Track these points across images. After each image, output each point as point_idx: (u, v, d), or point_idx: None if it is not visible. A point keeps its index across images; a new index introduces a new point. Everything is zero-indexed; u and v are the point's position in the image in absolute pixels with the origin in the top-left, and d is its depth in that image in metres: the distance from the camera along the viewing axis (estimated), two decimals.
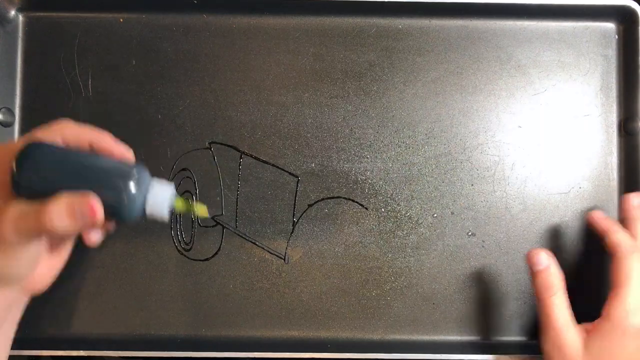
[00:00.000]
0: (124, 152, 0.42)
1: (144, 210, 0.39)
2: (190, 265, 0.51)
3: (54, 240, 0.43)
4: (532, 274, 0.47)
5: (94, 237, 0.41)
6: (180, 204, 0.41)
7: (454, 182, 0.52)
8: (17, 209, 0.37)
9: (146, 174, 0.40)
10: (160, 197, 0.40)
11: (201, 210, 0.43)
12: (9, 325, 0.44)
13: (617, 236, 0.46)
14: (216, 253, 0.51)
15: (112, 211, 0.38)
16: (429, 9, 0.52)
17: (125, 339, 0.51)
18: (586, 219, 0.51)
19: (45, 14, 0.52)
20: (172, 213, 0.44)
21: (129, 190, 0.38)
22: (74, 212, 0.37)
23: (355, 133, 0.52)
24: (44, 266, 0.42)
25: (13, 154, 0.38)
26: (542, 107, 0.52)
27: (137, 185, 0.39)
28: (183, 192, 0.52)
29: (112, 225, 0.44)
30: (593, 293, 0.51)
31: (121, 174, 0.39)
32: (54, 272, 0.44)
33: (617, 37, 0.53)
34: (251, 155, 0.52)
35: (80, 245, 0.51)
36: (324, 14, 0.52)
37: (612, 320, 0.44)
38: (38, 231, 0.37)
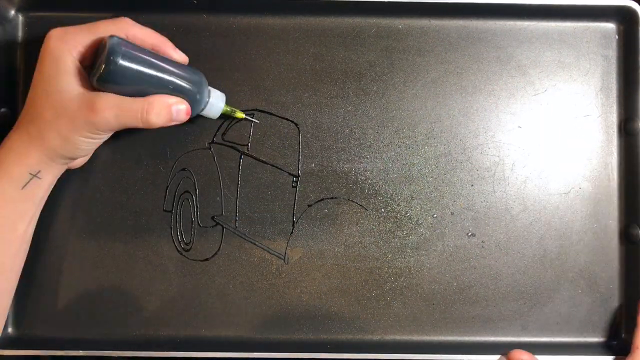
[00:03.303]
0: (184, 59, 0.48)
1: (201, 110, 0.47)
2: (190, 265, 0.51)
3: None
4: None
5: None
6: (226, 109, 0.49)
7: (454, 183, 0.52)
8: (115, 101, 0.42)
9: (206, 82, 0.47)
10: (216, 103, 0.48)
11: (239, 114, 0.51)
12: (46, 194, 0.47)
13: None
14: (216, 253, 0.51)
15: None
16: (429, 9, 0.52)
17: (125, 339, 0.51)
18: None
19: (45, 13, 0.52)
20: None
21: (202, 96, 0.46)
22: (171, 113, 0.44)
23: (355, 133, 0.52)
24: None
25: (88, 43, 0.43)
26: (542, 108, 0.52)
27: (205, 92, 0.47)
28: (183, 191, 0.52)
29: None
30: (594, 292, 0.52)
31: (196, 80, 0.46)
32: (90, 154, 0.49)
33: (617, 37, 0.53)
34: (251, 155, 0.52)
35: (79, 246, 0.51)
36: (324, 14, 0.52)
37: None
38: (136, 124, 0.43)
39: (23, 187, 0.44)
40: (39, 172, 0.44)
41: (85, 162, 0.50)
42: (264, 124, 0.52)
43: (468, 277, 0.52)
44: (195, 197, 0.52)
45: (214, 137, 0.52)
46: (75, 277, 0.51)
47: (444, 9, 0.51)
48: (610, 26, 0.53)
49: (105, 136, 0.45)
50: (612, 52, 0.53)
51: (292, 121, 0.52)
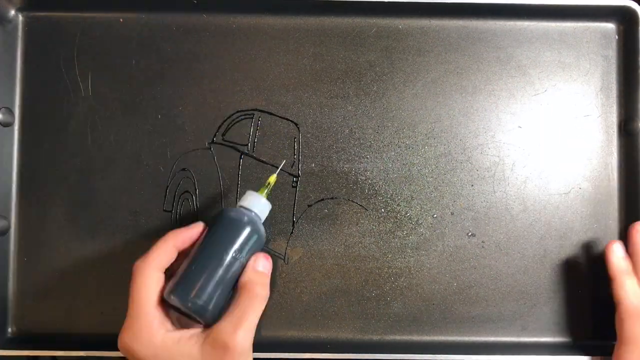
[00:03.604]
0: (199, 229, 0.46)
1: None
2: None
3: None
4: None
5: None
6: (266, 196, 0.47)
7: (454, 183, 0.52)
8: (243, 327, 0.41)
9: (256, 216, 0.46)
10: (266, 210, 0.47)
11: (272, 179, 0.48)
12: None
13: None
14: None
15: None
16: (429, 9, 0.52)
17: None
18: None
19: (45, 13, 0.52)
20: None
21: (261, 227, 0.45)
22: (265, 272, 0.45)
23: (355, 133, 0.52)
24: None
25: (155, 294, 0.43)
26: (542, 108, 0.52)
27: (261, 222, 0.46)
28: (183, 191, 0.52)
29: None
30: (594, 292, 0.52)
31: (253, 227, 0.44)
32: None
33: (617, 37, 0.53)
34: (251, 156, 0.52)
35: (79, 246, 0.51)
36: (324, 14, 0.52)
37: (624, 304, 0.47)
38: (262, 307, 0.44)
39: None
40: None
41: None
42: (264, 123, 0.52)
43: (468, 277, 0.52)
44: (195, 197, 0.52)
45: (214, 137, 0.52)
46: (75, 277, 0.51)
47: (444, 9, 0.51)
48: (610, 26, 0.53)
49: None
50: (612, 52, 0.53)
51: (292, 121, 0.52)
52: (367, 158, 0.52)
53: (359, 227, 0.52)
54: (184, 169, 0.52)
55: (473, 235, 0.52)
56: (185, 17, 0.52)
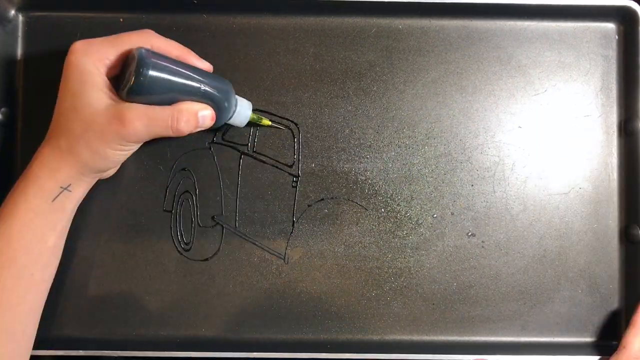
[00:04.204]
0: (208, 67, 0.47)
1: (229, 118, 0.47)
2: (189, 265, 0.51)
3: None
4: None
5: None
6: (253, 117, 0.50)
7: (454, 183, 0.52)
8: (144, 111, 0.42)
9: (233, 90, 0.47)
10: (244, 112, 0.48)
11: (265, 121, 0.51)
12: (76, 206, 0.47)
13: None
14: (216, 253, 0.51)
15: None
16: (429, 9, 0.52)
17: (125, 339, 0.51)
18: None
19: (45, 13, 0.52)
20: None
21: (229, 104, 0.46)
22: (198, 119, 0.44)
23: (355, 133, 0.52)
24: None
25: (114, 56, 0.43)
26: (542, 108, 0.52)
27: (233, 100, 0.47)
28: (183, 191, 0.52)
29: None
30: (594, 292, 0.52)
31: (224, 88, 0.46)
32: (119, 165, 0.49)
33: (617, 37, 0.53)
34: (251, 156, 0.52)
35: (79, 246, 0.51)
36: (324, 14, 0.52)
37: (628, 350, 0.48)
38: (166, 133, 0.44)
39: (53, 200, 0.44)
40: (70, 185, 0.44)
41: (114, 172, 0.50)
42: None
43: (468, 277, 0.52)
44: (195, 197, 0.52)
45: (214, 137, 0.52)
46: (75, 277, 0.51)
47: (444, 9, 0.51)
48: (610, 26, 0.53)
49: (135, 147, 0.46)
50: (612, 52, 0.53)
51: (292, 121, 0.52)
52: (367, 158, 0.52)
53: (359, 227, 0.52)
54: (184, 169, 0.52)
55: (473, 235, 0.52)
56: (185, 17, 0.52)
